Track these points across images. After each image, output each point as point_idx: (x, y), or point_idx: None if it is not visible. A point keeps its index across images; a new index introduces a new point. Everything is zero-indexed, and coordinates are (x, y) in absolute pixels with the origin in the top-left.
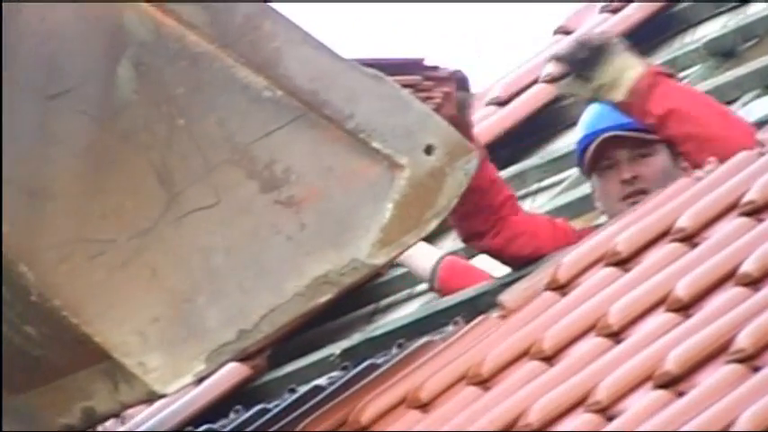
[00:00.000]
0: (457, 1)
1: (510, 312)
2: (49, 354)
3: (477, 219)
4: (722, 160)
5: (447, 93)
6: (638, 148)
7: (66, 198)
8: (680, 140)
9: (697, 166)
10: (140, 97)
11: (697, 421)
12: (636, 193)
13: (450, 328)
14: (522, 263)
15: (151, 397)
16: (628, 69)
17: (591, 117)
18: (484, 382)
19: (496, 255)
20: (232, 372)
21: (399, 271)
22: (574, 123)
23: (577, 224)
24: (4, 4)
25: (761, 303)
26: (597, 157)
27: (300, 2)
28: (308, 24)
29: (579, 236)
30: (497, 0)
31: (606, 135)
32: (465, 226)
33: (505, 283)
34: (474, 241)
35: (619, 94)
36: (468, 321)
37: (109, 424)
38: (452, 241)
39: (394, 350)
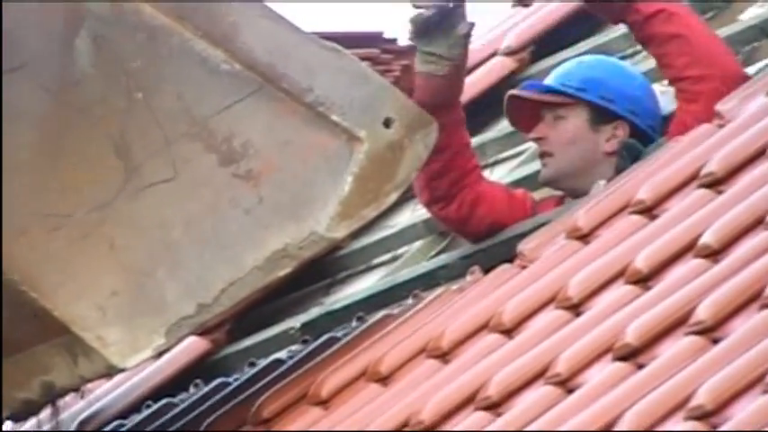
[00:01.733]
0: None
1: (470, 285)
2: (7, 328)
3: (444, 180)
4: (705, 74)
5: (405, 65)
6: (552, 109)
7: (23, 172)
8: (662, 39)
9: (674, 69)
10: (98, 71)
11: (657, 393)
12: (541, 155)
13: (410, 300)
14: (480, 235)
15: (110, 371)
16: None
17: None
18: (443, 356)
19: (457, 223)
20: (191, 346)
21: (358, 244)
22: None
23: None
24: None
25: (720, 275)
26: (512, 115)
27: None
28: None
29: (539, 206)
30: None
31: (511, 92)
32: (432, 187)
33: (465, 257)
34: (436, 207)
35: None
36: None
37: (68, 398)
38: (411, 213)
39: (354, 323)
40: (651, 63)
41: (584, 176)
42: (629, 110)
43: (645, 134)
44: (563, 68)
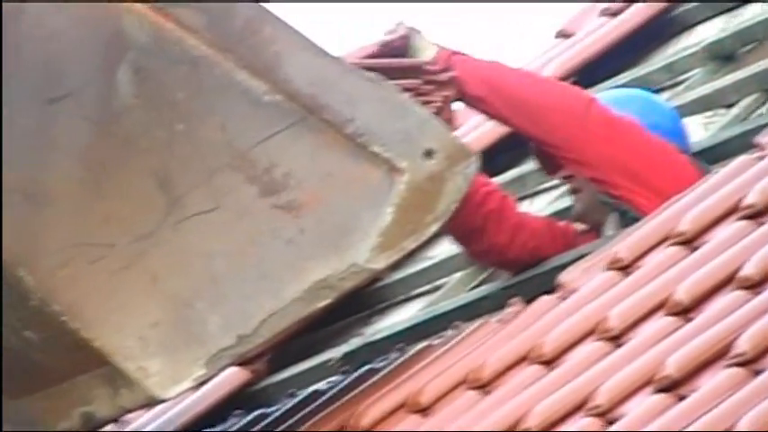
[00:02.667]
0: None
1: (510, 316)
2: (48, 358)
3: (461, 217)
4: (553, 129)
5: (446, 96)
6: None
7: (65, 202)
8: (509, 116)
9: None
10: (140, 102)
11: (697, 425)
12: (572, 191)
13: (450, 332)
14: (521, 264)
15: (151, 402)
16: (423, 51)
17: None
18: (484, 387)
19: (498, 253)
20: (232, 376)
21: (399, 275)
22: None
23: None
24: (4, 5)
25: (761, 307)
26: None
27: (297, 1)
28: (306, 26)
29: (580, 238)
30: (497, 0)
31: None
32: (457, 225)
33: (506, 287)
34: (473, 241)
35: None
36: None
37: (108, 429)
38: (451, 244)
39: (393, 354)
40: (690, 96)
41: (608, 211)
42: None
43: None
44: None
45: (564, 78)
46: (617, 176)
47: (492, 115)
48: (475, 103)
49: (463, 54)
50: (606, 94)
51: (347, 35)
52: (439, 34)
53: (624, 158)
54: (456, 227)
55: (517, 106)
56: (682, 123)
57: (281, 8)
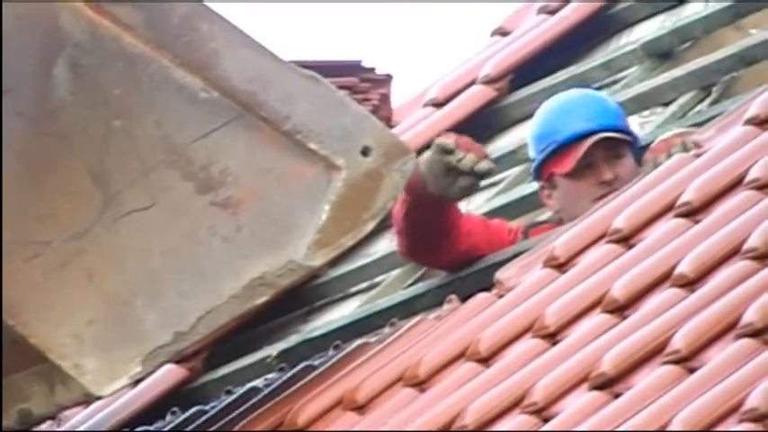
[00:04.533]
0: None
1: (447, 313)
2: None
3: (426, 230)
4: None
5: (383, 94)
6: (613, 148)
7: (2, 200)
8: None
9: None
10: (76, 98)
11: (632, 422)
12: (611, 194)
13: (387, 329)
14: (455, 264)
15: (87, 399)
16: None
17: (555, 118)
18: (420, 384)
19: (441, 266)
20: (168, 374)
21: (336, 272)
22: (511, 124)
23: (514, 225)
24: None
25: (696, 305)
26: (582, 158)
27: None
28: (243, 24)
29: (531, 233)
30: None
31: (601, 136)
32: (413, 238)
33: (443, 285)
34: (419, 258)
35: None
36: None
37: (45, 426)
38: (388, 241)
39: (330, 352)
40: (628, 94)
41: None
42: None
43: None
44: (605, 106)
45: (502, 76)
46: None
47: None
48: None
49: None
50: (609, 99)
51: (286, 39)
52: (376, 33)
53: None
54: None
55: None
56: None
57: (261, 34)
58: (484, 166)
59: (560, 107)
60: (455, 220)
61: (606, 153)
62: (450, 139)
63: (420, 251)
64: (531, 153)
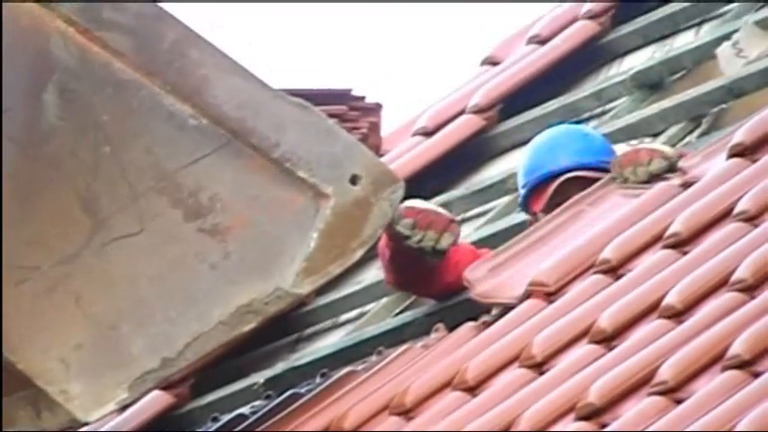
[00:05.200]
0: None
1: (434, 342)
2: None
3: (411, 270)
4: None
5: (373, 123)
6: (591, 186)
7: None
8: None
9: None
10: (66, 123)
11: None
12: None
13: (374, 357)
14: (444, 293)
15: (73, 425)
16: None
17: (540, 155)
18: (407, 412)
19: (431, 295)
20: (155, 400)
21: (324, 300)
22: (500, 154)
23: None
24: None
25: (684, 336)
26: (554, 196)
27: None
28: (232, 53)
29: None
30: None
31: (569, 176)
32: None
33: (431, 314)
34: (407, 290)
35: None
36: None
37: None
38: (376, 270)
39: (318, 379)
40: (618, 123)
41: None
42: None
43: None
44: (591, 145)
45: (491, 106)
46: None
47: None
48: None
49: None
50: (586, 135)
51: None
52: (366, 61)
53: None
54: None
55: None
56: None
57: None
58: (445, 243)
59: (546, 143)
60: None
61: (583, 191)
62: (408, 218)
63: (407, 284)
64: (519, 183)
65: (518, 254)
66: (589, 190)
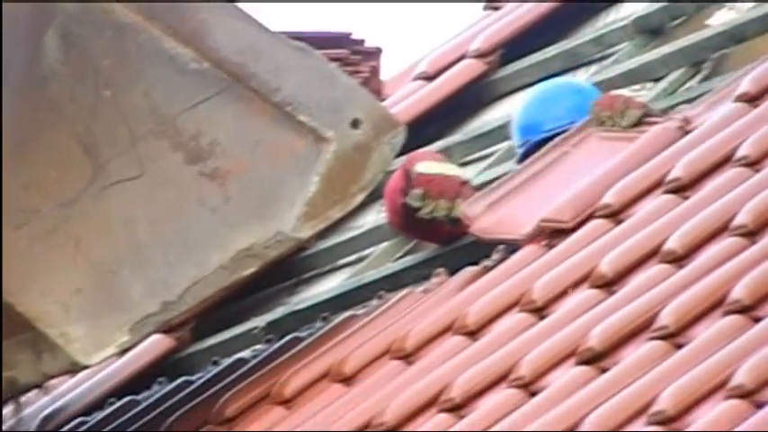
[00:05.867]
0: None
1: (435, 287)
2: None
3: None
4: None
5: (374, 67)
6: None
7: None
8: None
9: None
10: (66, 68)
11: (619, 397)
12: None
13: (375, 302)
14: (447, 239)
15: (74, 368)
16: None
17: (535, 112)
18: (407, 357)
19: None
20: (155, 343)
21: (324, 244)
22: (500, 98)
23: None
24: None
25: (684, 281)
26: None
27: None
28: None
29: None
30: None
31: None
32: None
33: (431, 258)
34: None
35: None
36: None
37: (32, 394)
38: (376, 214)
39: (318, 323)
40: (618, 69)
41: None
42: None
43: None
44: (585, 102)
45: (492, 50)
46: None
47: None
48: None
49: None
50: (538, 88)
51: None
52: (366, 5)
53: None
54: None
55: None
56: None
57: (253, 7)
58: (458, 211)
59: (540, 100)
60: None
61: None
62: (418, 189)
63: (413, 233)
64: (514, 141)
65: (513, 191)
66: (570, 132)
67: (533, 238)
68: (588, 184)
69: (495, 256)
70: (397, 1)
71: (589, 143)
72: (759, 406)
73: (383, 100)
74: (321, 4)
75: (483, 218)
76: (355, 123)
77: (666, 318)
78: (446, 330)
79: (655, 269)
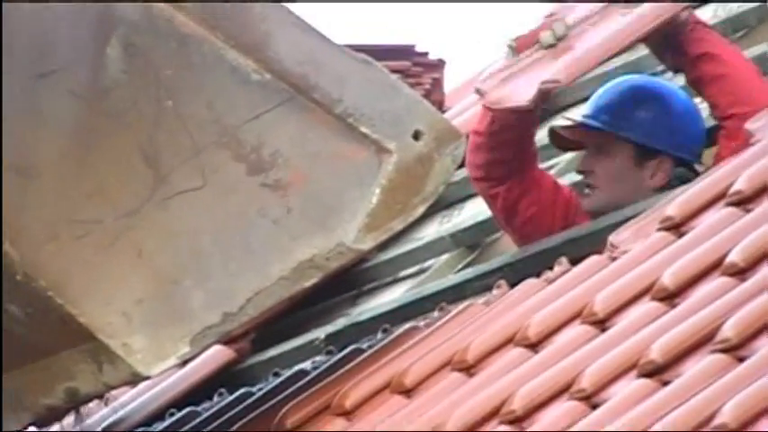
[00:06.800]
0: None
1: (496, 299)
2: (33, 333)
3: (505, 167)
4: (747, 111)
5: (436, 79)
6: (596, 141)
7: (53, 177)
8: (708, 80)
9: (719, 108)
10: (129, 77)
11: (681, 411)
12: (585, 186)
13: (436, 313)
14: (518, 226)
15: (135, 378)
16: None
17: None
18: (468, 369)
19: (504, 206)
20: (216, 354)
21: (385, 256)
22: (562, 109)
23: None
24: None
25: (747, 293)
26: (562, 142)
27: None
28: (297, 8)
29: (580, 210)
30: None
31: (553, 127)
32: (490, 169)
33: (493, 270)
34: (487, 184)
35: None
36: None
37: (92, 405)
38: (438, 226)
39: (379, 335)
40: (681, 80)
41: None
42: (673, 144)
43: (691, 161)
44: (605, 99)
45: None
46: None
47: (692, 74)
48: (681, 58)
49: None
50: (614, 91)
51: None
52: (430, 18)
53: None
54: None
55: (724, 76)
56: (694, 108)
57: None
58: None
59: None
60: (533, 153)
61: (592, 145)
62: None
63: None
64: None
65: (528, 65)
66: (589, 12)
67: (535, 101)
68: (586, 49)
69: (558, 269)
70: (460, 10)
71: (607, 20)
72: None
73: (445, 111)
74: (386, 17)
75: (496, 90)
76: (417, 135)
77: (728, 330)
78: (507, 342)
79: (717, 282)
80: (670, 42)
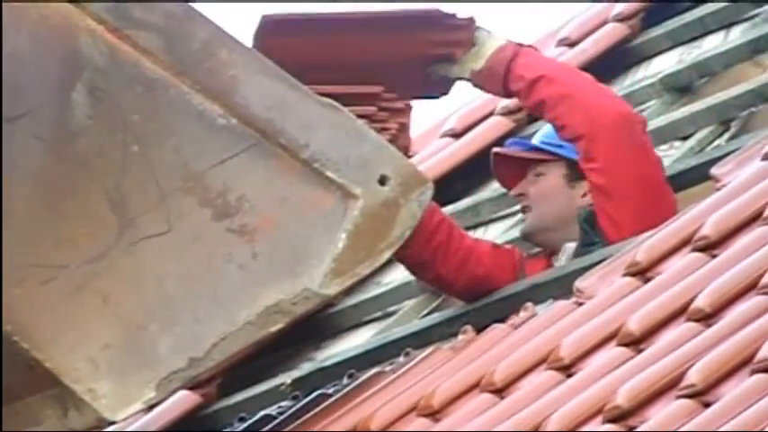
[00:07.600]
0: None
1: (462, 344)
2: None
3: (412, 248)
4: (593, 125)
5: (402, 123)
6: (534, 167)
7: (19, 222)
8: (551, 103)
9: (569, 129)
10: (95, 123)
11: None
12: (522, 210)
13: (402, 358)
14: (471, 293)
15: (100, 424)
16: (489, 41)
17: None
18: (434, 414)
19: (446, 284)
20: (182, 400)
21: (351, 301)
22: None
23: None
24: None
25: (712, 339)
26: (500, 172)
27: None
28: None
29: (527, 262)
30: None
31: (495, 150)
32: (407, 256)
33: (458, 315)
34: (423, 271)
35: (478, 64)
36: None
37: None
38: (404, 271)
39: (345, 380)
40: (648, 126)
41: (559, 231)
42: None
43: None
44: (547, 126)
45: (520, 108)
46: (618, 196)
47: (531, 100)
48: (516, 86)
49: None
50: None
51: None
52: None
53: (634, 185)
54: (406, 257)
55: (569, 95)
56: None
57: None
58: None
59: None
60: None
61: (529, 171)
62: None
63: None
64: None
65: None
66: None
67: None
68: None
69: (523, 314)
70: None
71: None
72: None
73: (411, 157)
74: None
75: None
76: (383, 180)
77: (694, 376)
78: (473, 388)
79: (682, 327)
80: (494, 72)
